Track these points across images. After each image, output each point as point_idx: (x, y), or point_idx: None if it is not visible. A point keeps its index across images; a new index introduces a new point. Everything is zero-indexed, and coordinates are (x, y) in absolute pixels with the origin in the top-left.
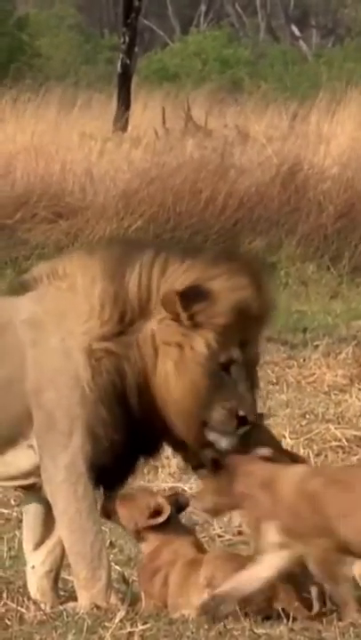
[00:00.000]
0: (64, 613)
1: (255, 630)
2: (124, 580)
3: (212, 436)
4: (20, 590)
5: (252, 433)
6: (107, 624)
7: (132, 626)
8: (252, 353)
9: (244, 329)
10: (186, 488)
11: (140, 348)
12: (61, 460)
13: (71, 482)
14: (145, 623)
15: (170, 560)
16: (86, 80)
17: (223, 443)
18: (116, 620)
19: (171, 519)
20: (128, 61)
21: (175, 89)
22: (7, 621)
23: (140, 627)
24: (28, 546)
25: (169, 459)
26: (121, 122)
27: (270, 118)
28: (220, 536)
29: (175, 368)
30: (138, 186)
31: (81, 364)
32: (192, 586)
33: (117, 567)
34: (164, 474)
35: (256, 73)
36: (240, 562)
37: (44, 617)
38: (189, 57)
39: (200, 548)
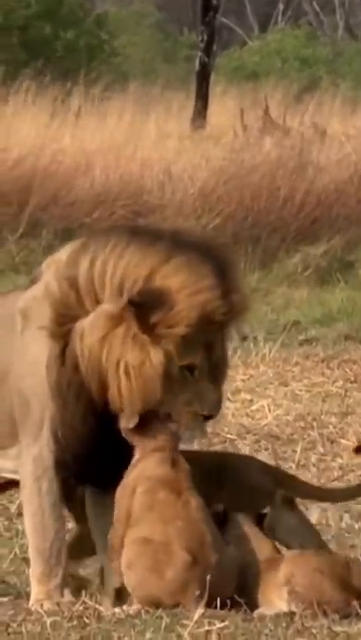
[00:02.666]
0: (142, 612)
1: (333, 628)
2: None
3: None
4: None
5: None
6: (185, 622)
7: (209, 624)
8: (219, 353)
9: (209, 332)
10: None
11: (87, 334)
12: (31, 451)
13: (37, 476)
14: (223, 621)
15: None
16: (165, 78)
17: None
18: (195, 617)
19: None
20: (206, 59)
21: (253, 87)
22: (86, 619)
23: (218, 625)
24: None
25: None
26: (199, 120)
27: (348, 116)
28: None
29: (132, 370)
30: (216, 184)
31: (47, 354)
32: (271, 584)
33: None
34: None
35: (334, 71)
36: (319, 560)
37: (122, 615)
38: (268, 55)
39: (275, 547)
